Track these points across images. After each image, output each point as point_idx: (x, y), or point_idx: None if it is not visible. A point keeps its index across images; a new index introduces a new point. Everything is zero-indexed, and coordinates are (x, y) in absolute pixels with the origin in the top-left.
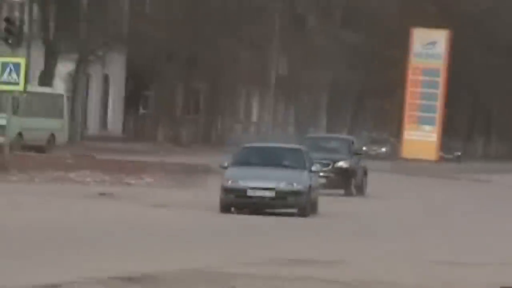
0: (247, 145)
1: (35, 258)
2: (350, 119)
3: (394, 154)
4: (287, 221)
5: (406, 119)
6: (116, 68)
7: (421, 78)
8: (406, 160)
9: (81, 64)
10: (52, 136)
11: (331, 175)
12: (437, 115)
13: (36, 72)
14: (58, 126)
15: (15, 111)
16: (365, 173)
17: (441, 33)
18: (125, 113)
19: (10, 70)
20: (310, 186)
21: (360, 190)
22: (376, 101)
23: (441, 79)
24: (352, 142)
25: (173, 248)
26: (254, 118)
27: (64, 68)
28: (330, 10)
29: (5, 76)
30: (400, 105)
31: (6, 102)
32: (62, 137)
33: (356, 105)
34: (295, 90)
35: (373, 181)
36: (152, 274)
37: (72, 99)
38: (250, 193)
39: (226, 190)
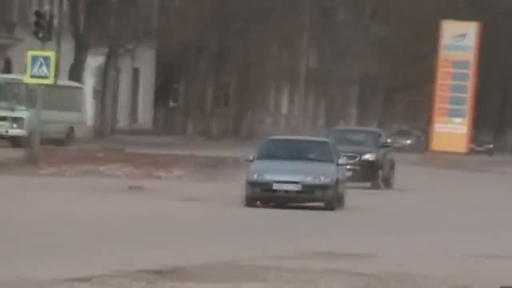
0: (273, 137)
1: (64, 252)
2: (380, 112)
3: (419, 146)
4: (314, 215)
5: (436, 112)
6: (145, 61)
7: (451, 70)
8: (436, 152)
9: (111, 58)
10: (72, 129)
11: (358, 168)
12: (467, 108)
13: (66, 66)
14: (77, 119)
15: (32, 104)
16: (392, 166)
17: (471, 25)
18: (155, 107)
19: (41, 63)
20: (337, 180)
21: (388, 183)
22: (405, 94)
23: (471, 72)
24: (379, 135)
25: (200, 241)
26: (284, 111)
27: (94, 62)
28: (360, 3)
29: (35, 70)
30: (430, 98)
31: (27, 95)
32: (81, 131)
33: (386, 98)
34: (325, 83)
35: (401, 174)
36: (181, 267)
37: (102, 93)
38: (276, 187)
39: (251, 184)
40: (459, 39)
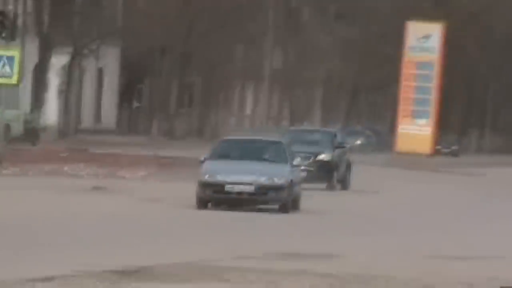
0: (226, 138)
1: (26, 252)
2: (345, 113)
3: (370, 146)
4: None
5: (401, 113)
6: (110, 61)
7: (415, 72)
8: (401, 154)
9: (75, 58)
10: (7, 127)
11: (313, 168)
12: (432, 109)
13: (30, 65)
14: (14, 117)
15: None
16: (348, 166)
17: (435, 27)
18: (119, 107)
19: (4, 63)
20: (291, 181)
21: (344, 184)
22: (371, 95)
23: (435, 73)
24: (335, 135)
25: (162, 242)
26: (248, 111)
27: (58, 61)
28: (325, 4)
29: None
30: (395, 99)
31: None
32: (17, 129)
33: (351, 99)
34: (290, 84)
35: (364, 175)
36: (145, 267)
37: (66, 93)
38: (228, 188)
39: (203, 185)
40: (423, 41)
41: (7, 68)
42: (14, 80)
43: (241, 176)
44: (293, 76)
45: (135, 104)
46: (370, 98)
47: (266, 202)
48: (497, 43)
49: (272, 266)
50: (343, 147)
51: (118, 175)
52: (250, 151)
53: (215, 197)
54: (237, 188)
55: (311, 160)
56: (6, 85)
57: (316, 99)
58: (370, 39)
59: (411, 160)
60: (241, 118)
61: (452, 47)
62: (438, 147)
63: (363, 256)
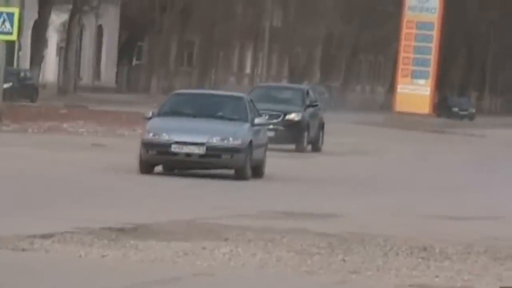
0: (179, 91)
1: (25, 208)
2: (344, 73)
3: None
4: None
5: (400, 73)
6: (110, 19)
7: (415, 31)
8: (400, 113)
9: (75, 15)
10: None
11: (281, 128)
12: (431, 69)
13: (30, 22)
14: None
15: None
16: (322, 126)
17: None
18: (119, 64)
19: (4, 19)
20: (250, 142)
21: (316, 145)
22: (370, 55)
23: (435, 33)
24: (307, 93)
25: (162, 200)
26: (248, 70)
27: (58, 18)
28: None
29: None
30: (394, 59)
31: None
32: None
33: (350, 59)
34: (289, 43)
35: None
36: (143, 225)
37: (66, 50)
38: (175, 148)
39: (146, 145)
40: (423, 1)
41: (7, 24)
42: (13, 36)
43: (191, 135)
44: (293, 35)
45: (135, 61)
46: (370, 57)
47: (219, 166)
48: (497, 3)
49: (271, 225)
50: (315, 105)
51: (117, 132)
52: (205, 107)
53: (159, 159)
54: (186, 149)
55: (280, 119)
56: (6, 41)
57: (316, 58)
58: None
59: (409, 120)
60: (240, 77)
61: (451, 7)
62: (456, 109)
63: (362, 215)
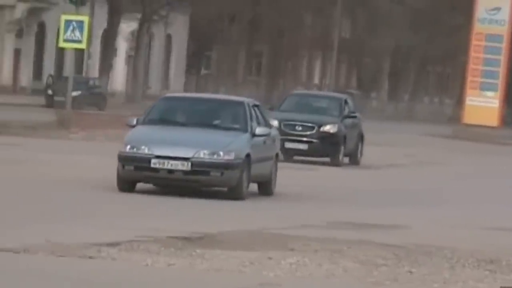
0: (169, 95)
1: (92, 217)
2: (412, 84)
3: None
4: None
5: (468, 85)
6: (179, 28)
7: (484, 43)
8: (467, 125)
9: (144, 24)
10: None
11: (315, 140)
12: (500, 82)
13: (99, 30)
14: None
15: None
16: (361, 138)
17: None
18: (187, 73)
19: (73, 27)
20: (248, 156)
21: (354, 159)
22: (438, 67)
23: (504, 45)
24: (345, 102)
25: (226, 210)
26: (316, 80)
27: (127, 27)
28: None
29: (68, 34)
30: (463, 71)
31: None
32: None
33: (419, 70)
34: (358, 54)
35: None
36: (210, 234)
37: (135, 58)
38: (155, 164)
39: (122, 159)
40: (493, 13)
41: (77, 33)
42: (83, 45)
43: (175, 148)
44: (361, 46)
45: (203, 71)
46: (438, 69)
47: (207, 185)
48: None
49: (336, 235)
50: (354, 116)
51: None
52: (197, 115)
53: (137, 175)
54: (168, 165)
55: (313, 131)
56: (75, 49)
57: (384, 70)
58: (439, 8)
59: (476, 132)
60: (309, 87)
61: None
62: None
63: (427, 227)
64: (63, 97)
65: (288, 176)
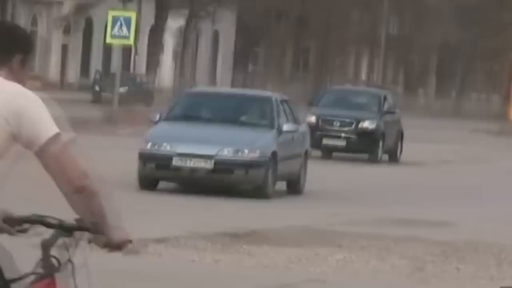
0: (194, 90)
1: (138, 213)
2: (460, 81)
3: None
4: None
5: None
6: (226, 24)
7: None
8: None
9: (192, 20)
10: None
11: (353, 136)
12: None
13: (147, 27)
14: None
15: None
16: (400, 135)
17: None
18: (234, 70)
19: (121, 24)
20: (274, 154)
21: (394, 156)
22: (486, 63)
23: None
24: (384, 98)
25: (266, 207)
26: (363, 77)
27: (174, 23)
28: None
29: (115, 30)
30: (510, 68)
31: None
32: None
33: (466, 67)
34: (405, 50)
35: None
36: (257, 230)
37: (182, 55)
38: (177, 162)
39: (143, 157)
40: None
41: (124, 29)
42: (130, 41)
43: (198, 146)
44: (409, 42)
45: (250, 67)
46: (486, 66)
47: (231, 183)
48: None
49: (384, 232)
50: (393, 112)
51: None
52: (222, 110)
53: (158, 174)
54: (190, 163)
55: (352, 127)
56: (123, 45)
57: (431, 66)
58: (487, 5)
59: None
60: (356, 83)
61: None
62: None
63: (476, 223)
64: (110, 93)
65: (327, 172)
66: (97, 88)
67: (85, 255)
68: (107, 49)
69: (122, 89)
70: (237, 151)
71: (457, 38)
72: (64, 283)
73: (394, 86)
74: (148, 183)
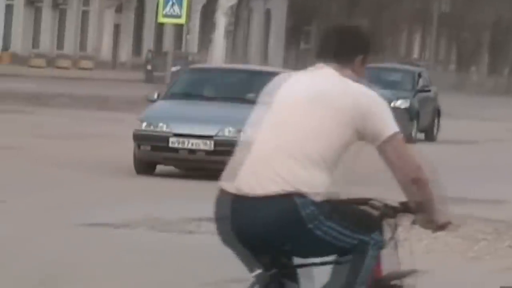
0: (195, 66)
1: (188, 194)
2: None
3: None
4: None
5: None
6: (278, 2)
7: None
8: None
9: None
10: None
11: None
12: None
13: (198, 5)
14: None
15: None
16: (437, 113)
17: None
18: (286, 48)
19: (173, 3)
20: None
21: (430, 134)
22: None
23: None
24: (419, 75)
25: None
26: (416, 55)
27: (226, 2)
28: None
29: (167, 9)
30: None
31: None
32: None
33: None
34: (458, 28)
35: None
36: None
37: (234, 34)
38: (174, 143)
39: (138, 138)
40: None
41: (176, 8)
42: (182, 20)
43: (196, 125)
44: (461, 20)
45: (302, 45)
46: None
47: None
48: None
49: None
50: (428, 90)
51: None
52: (225, 87)
53: (154, 156)
54: (188, 144)
55: None
56: (174, 24)
57: (484, 44)
58: None
59: None
60: (408, 61)
61: None
62: None
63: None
64: (162, 72)
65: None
66: (149, 67)
67: (409, 235)
68: (159, 28)
69: (174, 68)
70: (239, 131)
71: (509, 16)
72: (388, 258)
73: (446, 64)
74: (144, 166)
